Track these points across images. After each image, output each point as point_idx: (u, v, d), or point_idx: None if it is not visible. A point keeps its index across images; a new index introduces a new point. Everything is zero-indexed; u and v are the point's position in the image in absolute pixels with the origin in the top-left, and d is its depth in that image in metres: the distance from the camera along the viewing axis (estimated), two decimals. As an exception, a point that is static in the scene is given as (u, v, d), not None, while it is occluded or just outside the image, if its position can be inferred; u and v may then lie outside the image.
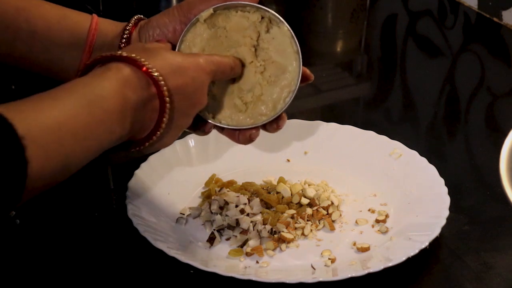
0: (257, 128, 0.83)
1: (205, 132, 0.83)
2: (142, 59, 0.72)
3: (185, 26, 0.82)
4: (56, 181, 0.66)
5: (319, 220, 0.91)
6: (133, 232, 0.85)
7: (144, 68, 0.72)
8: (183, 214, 0.92)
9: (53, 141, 0.64)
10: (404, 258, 0.82)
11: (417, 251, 0.83)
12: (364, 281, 0.81)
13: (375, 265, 0.82)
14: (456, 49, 1.38)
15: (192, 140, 1.01)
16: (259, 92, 0.83)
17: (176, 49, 0.82)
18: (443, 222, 0.86)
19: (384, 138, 1.02)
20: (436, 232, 0.85)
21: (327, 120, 1.06)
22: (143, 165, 0.96)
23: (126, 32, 0.82)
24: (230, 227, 0.89)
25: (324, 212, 0.92)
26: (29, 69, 0.84)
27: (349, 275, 0.80)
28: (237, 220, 0.89)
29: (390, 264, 0.82)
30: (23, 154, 0.60)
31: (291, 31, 0.83)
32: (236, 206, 0.91)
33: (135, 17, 0.84)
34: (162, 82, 0.72)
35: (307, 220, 0.91)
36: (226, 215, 0.90)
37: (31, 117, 0.63)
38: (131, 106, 0.71)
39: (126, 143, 0.75)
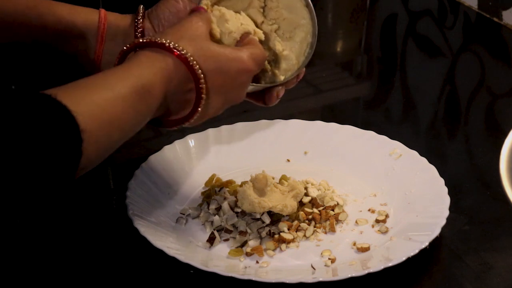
0: (282, 85, 0.85)
1: None
2: (183, 51, 0.74)
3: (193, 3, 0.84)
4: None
5: (325, 221, 0.91)
6: (133, 232, 0.85)
7: (187, 62, 0.74)
8: (183, 214, 0.92)
9: (104, 133, 0.68)
10: (404, 258, 0.82)
11: (417, 251, 0.83)
12: (364, 281, 0.81)
13: (375, 265, 0.82)
14: (456, 49, 1.38)
15: (192, 140, 1.01)
16: (280, 49, 0.85)
17: None
18: (443, 222, 0.86)
19: (384, 138, 1.02)
20: (436, 232, 0.85)
21: (327, 120, 1.06)
22: (143, 165, 0.96)
23: (139, 22, 0.85)
24: (227, 230, 0.89)
25: (332, 212, 0.92)
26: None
27: (349, 275, 0.81)
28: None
29: (390, 264, 0.82)
30: (80, 147, 0.65)
31: None
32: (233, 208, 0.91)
33: (141, 8, 0.87)
34: (202, 80, 0.75)
35: (312, 221, 0.91)
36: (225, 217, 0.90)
37: (86, 105, 0.67)
38: (172, 92, 0.75)
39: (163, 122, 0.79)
